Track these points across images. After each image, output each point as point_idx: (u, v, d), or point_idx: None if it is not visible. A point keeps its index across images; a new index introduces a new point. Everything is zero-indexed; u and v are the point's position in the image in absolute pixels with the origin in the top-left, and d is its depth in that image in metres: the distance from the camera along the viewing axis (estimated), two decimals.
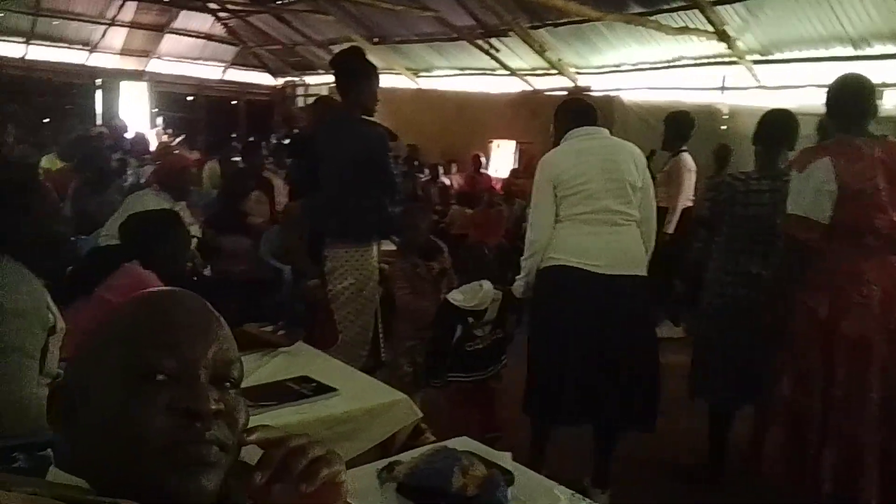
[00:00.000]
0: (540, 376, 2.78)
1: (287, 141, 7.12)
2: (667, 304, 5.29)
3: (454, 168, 9.60)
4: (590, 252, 2.67)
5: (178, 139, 9.67)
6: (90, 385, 0.70)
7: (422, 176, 8.56)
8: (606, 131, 2.89)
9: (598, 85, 8.39)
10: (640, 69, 7.88)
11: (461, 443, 1.85)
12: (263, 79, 14.51)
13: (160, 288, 0.79)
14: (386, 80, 11.15)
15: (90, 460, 0.68)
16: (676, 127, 5.13)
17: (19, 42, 11.15)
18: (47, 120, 9.12)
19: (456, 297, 2.92)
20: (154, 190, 3.63)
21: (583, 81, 8.57)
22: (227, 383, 0.74)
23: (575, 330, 2.67)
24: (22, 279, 1.70)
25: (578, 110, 2.95)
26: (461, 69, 10.20)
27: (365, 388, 2.26)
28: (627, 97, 7.75)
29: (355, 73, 3.15)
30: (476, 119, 9.76)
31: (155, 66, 13.12)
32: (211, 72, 13.94)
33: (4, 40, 10.99)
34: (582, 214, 2.70)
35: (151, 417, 0.67)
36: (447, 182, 8.90)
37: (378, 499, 1.56)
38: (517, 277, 2.93)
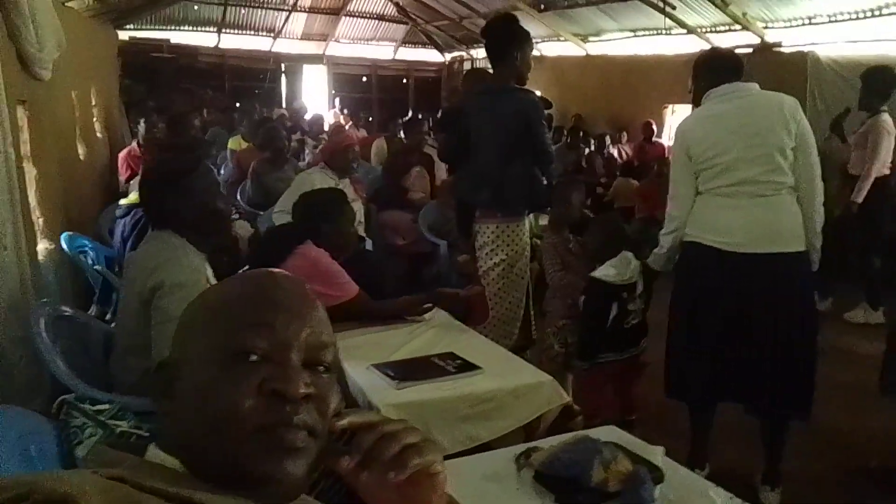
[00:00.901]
0: (677, 357, 2.62)
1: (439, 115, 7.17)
2: (865, 285, 4.69)
3: (624, 137, 9.18)
4: (728, 229, 2.41)
5: (348, 118, 10.14)
6: (187, 361, 0.71)
7: (586, 147, 8.24)
8: (754, 86, 2.49)
9: (789, 40, 7.54)
10: (837, 21, 6.97)
11: (607, 432, 1.74)
12: (431, 55, 14.80)
13: (262, 269, 0.77)
14: (552, 48, 11.01)
15: (183, 439, 0.68)
16: (876, 84, 4.46)
17: (212, 31, 12.28)
18: (238, 104, 9.93)
19: (608, 272, 2.74)
20: (321, 168, 3.80)
21: (771, 37, 7.76)
22: (321, 367, 0.72)
23: (711, 310, 2.47)
24: (184, 253, 1.84)
25: (718, 65, 2.56)
26: (632, 31, 9.65)
27: (510, 368, 2.21)
28: (823, 52, 6.91)
29: (506, 40, 3.02)
30: (648, 83, 9.21)
31: (333, 49, 13.85)
32: (384, 51, 14.46)
33: (201, 30, 12.15)
34: (720, 188, 2.44)
35: (241, 398, 0.65)
36: (615, 153, 8.53)
37: (514, 484, 1.51)
38: (654, 251, 2.75)
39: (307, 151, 6.96)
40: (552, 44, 11.03)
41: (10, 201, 2.01)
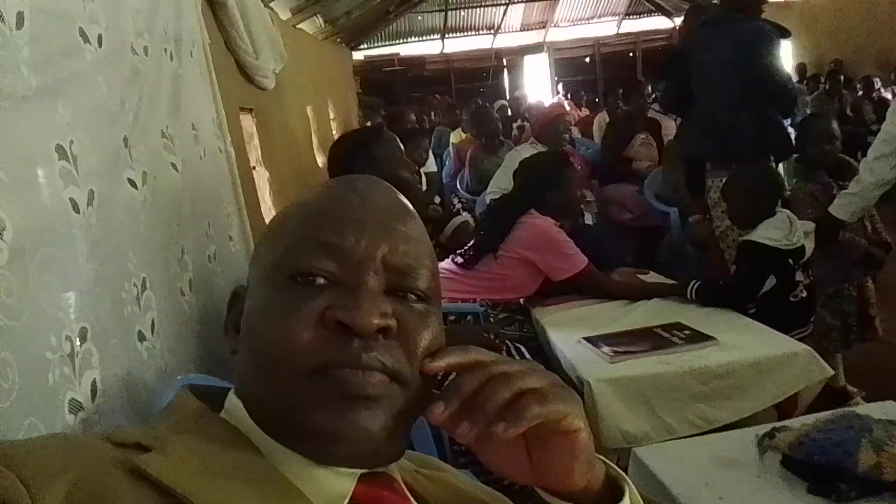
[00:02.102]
0: None
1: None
2: None
3: None
4: None
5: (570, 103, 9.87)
6: (249, 287, 0.60)
7: (850, 93, 7.07)
8: None
9: None
10: None
11: (883, 408, 1.36)
12: (659, 23, 13.89)
13: (346, 176, 0.63)
14: None
15: (243, 382, 0.57)
16: None
17: (436, 38, 12.81)
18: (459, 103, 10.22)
19: (770, 234, 2.14)
20: (531, 144, 3.67)
21: None
22: (412, 295, 0.57)
23: None
24: None
25: None
26: None
27: (754, 338, 1.86)
28: None
29: None
30: None
31: (553, 35, 13.67)
32: (606, 28, 13.93)
33: (426, 39, 12.76)
34: None
35: (296, 328, 0.52)
36: (888, 96, 7.19)
37: (755, 471, 1.22)
38: (844, 192, 2.21)
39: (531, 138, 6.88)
40: None
41: (234, 197, 2.14)
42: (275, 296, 0.55)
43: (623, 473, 0.58)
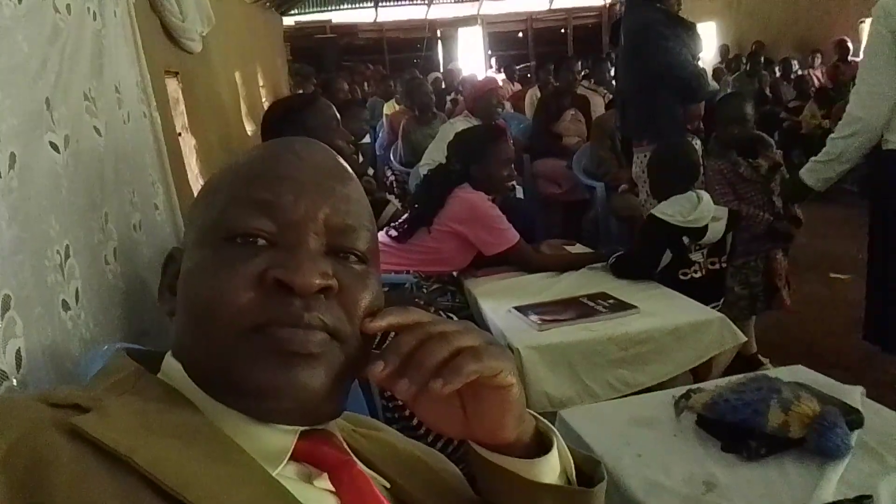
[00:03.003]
0: (878, 294, 2.18)
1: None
2: None
3: (817, 60, 8.08)
4: None
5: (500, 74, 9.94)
6: (185, 249, 0.59)
7: (769, 74, 7.39)
8: None
9: None
10: None
11: (794, 372, 1.47)
12: (590, 0, 14.08)
13: (282, 138, 0.63)
14: None
15: (179, 342, 0.57)
16: None
17: (369, 6, 12.58)
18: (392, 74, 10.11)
19: (666, 209, 2.26)
20: (464, 116, 3.69)
21: None
22: (352, 256, 0.58)
23: None
24: None
25: None
26: None
27: (672, 307, 1.96)
28: None
29: None
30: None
31: (487, 7, 13.64)
32: (538, 3, 14.00)
33: (359, 6, 12.51)
34: None
35: (236, 287, 0.52)
36: (806, 75, 7.54)
37: (671, 430, 1.30)
38: (813, 158, 2.27)
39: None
40: None
41: (160, 164, 2.08)
42: (212, 256, 0.55)
43: (551, 426, 0.62)
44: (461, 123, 3.55)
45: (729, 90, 5.90)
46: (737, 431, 1.20)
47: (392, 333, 0.56)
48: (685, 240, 2.22)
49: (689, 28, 2.72)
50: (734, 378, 1.43)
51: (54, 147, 1.18)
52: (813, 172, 2.28)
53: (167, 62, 2.55)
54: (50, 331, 1.04)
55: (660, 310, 1.90)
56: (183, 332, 0.57)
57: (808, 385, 1.30)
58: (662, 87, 2.68)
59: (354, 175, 0.62)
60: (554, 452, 0.60)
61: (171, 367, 0.57)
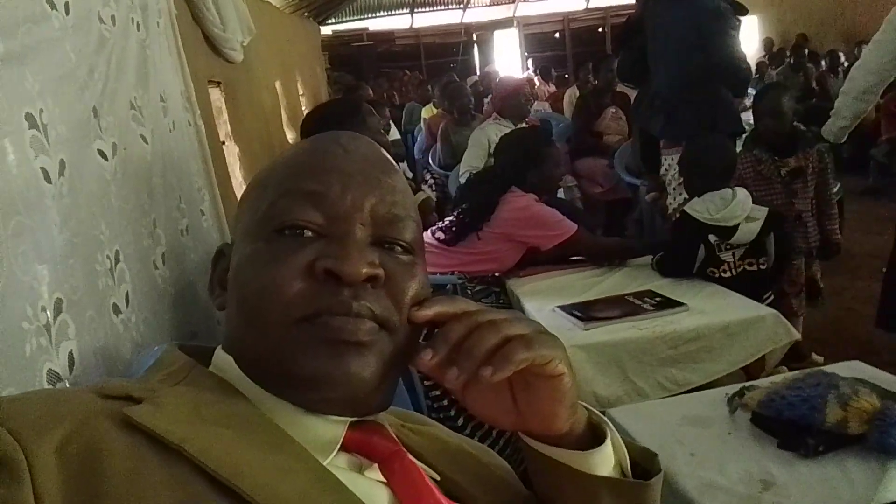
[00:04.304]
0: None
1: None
2: None
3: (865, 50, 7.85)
4: None
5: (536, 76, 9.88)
6: (234, 244, 0.60)
7: (815, 68, 7.18)
8: None
9: None
10: None
11: (850, 367, 1.42)
12: None
13: (327, 132, 0.63)
14: None
15: (231, 334, 0.58)
16: None
17: (404, 13, 12.66)
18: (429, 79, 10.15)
19: (696, 206, 2.19)
20: (494, 120, 3.66)
21: None
22: (398, 247, 0.58)
23: None
24: None
25: None
26: None
27: (722, 304, 1.91)
28: None
29: None
30: None
31: (522, 9, 13.60)
32: (575, 3, 13.89)
33: (395, 14, 12.61)
34: None
35: (286, 278, 0.53)
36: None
37: (726, 429, 1.26)
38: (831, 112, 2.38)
39: None
40: None
41: (205, 171, 2.11)
42: (262, 248, 0.55)
43: (605, 418, 0.60)
44: (492, 128, 3.53)
45: None
46: (793, 428, 1.16)
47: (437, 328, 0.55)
48: (711, 238, 2.16)
49: (744, 15, 2.62)
50: (790, 374, 1.39)
51: (102, 154, 1.21)
52: (826, 127, 2.46)
53: (210, 72, 2.60)
54: (101, 334, 1.06)
55: (709, 307, 1.86)
56: (234, 324, 0.57)
57: (867, 380, 1.25)
58: (720, 81, 2.59)
59: (398, 167, 0.62)
60: (608, 444, 0.58)
61: (223, 359, 0.58)
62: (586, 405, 0.60)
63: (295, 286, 0.53)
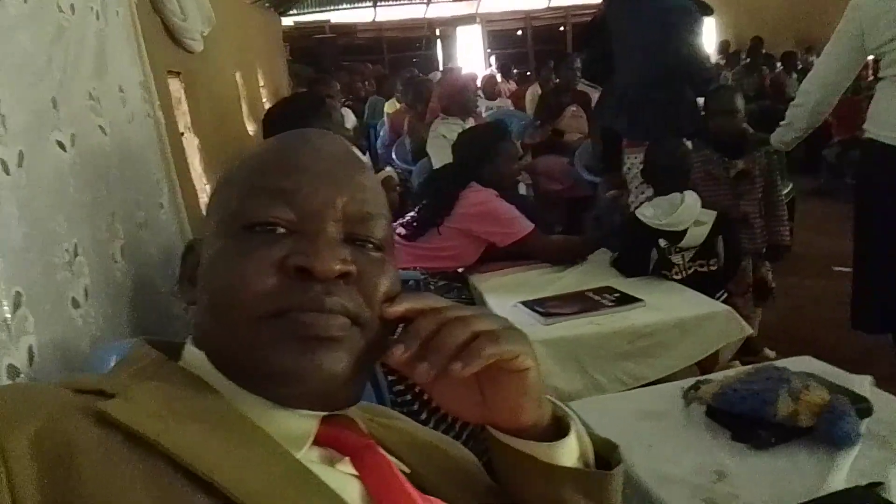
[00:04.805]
0: (863, 279, 2.20)
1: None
2: None
3: (814, 58, 8.08)
4: None
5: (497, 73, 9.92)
6: (205, 240, 0.60)
7: (769, 69, 7.37)
8: None
9: None
10: None
11: (801, 363, 1.48)
12: None
13: (295, 130, 0.64)
14: None
15: (201, 330, 0.58)
16: None
17: (368, 6, 12.57)
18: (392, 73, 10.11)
19: (645, 210, 2.25)
20: (441, 120, 3.67)
21: None
22: (369, 244, 0.58)
23: None
24: None
25: None
26: None
27: (678, 300, 1.96)
28: None
29: None
30: None
31: (485, 5, 13.63)
32: (537, 1, 13.98)
33: (357, 6, 12.50)
34: None
35: (257, 273, 0.53)
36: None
37: (680, 421, 1.30)
38: (780, 123, 2.40)
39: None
40: None
41: (163, 163, 2.08)
42: (232, 245, 0.55)
43: (569, 411, 0.62)
44: (443, 127, 3.55)
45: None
46: (746, 421, 1.20)
47: (404, 324, 0.56)
48: (661, 242, 2.20)
49: (708, 15, 2.65)
50: (742, 368, 1.43)
51: (61, 146, 1.18)
52: (776, 135, 2.45)
53: (169, 62, 2.55)
54: (60, 327, 1.04)
55: (665, 303, 1.91)
56: (204, 319, 0.57)
57: (817, 375, 1.30)
58: (682, 79, 2.62)
59: (369, 164, 0.62)
60: (572, 436, 0.60)
61: (193, 354, 0.58)
62: (551, 398, 0.62)
63: (266, 282, 0.53)
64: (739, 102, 2.61)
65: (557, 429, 0.61)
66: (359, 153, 0.63)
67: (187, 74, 2.86)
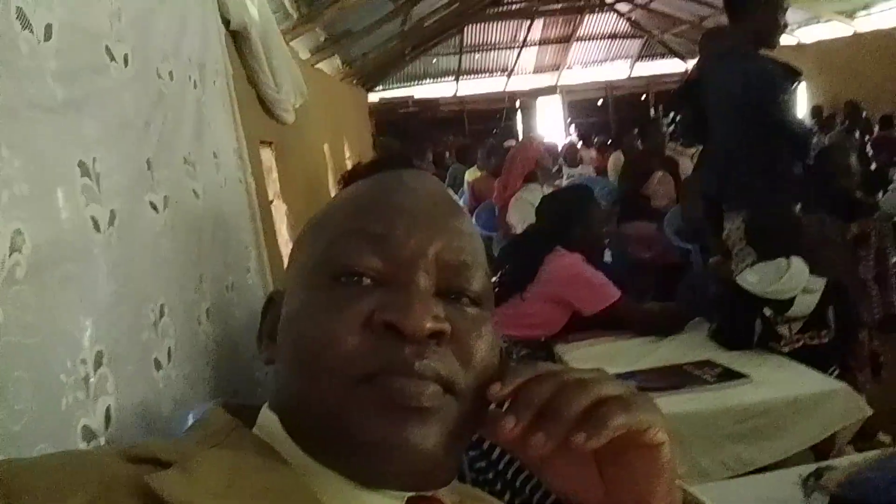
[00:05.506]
0: None
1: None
2: None
3: None
4: None
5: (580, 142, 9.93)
6: (286, 291, 0.55)
7: (867, 133, 7.04)
8: None
9: None
10: None
11: None
12: (673, 66, 14.02)
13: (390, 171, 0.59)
14: (812, 32, 9.75)
15: (280, 393, 0.52)
16: None
17: (450, 81, 13.00)
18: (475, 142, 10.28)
19: (748, 276, 2.08)
20: (522, 186, 3.67)
21: None
22: (465, 298, 0.51)
23: None
24: None
25: None
26: None
27: (788, 376, 1.80)
28: None
29: None
30: None
31: (565, 77, 13.82)
32: (618, 71, 14.08)
33: (440, 81, 12.93)
34: None
35: (342, 332, 0.47)
36: None
37: None
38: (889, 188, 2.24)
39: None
40: (812, 28, 9.77)
41: (252, 229, 2.12)
42: (316, 297, 0.50)
43: (702, 499, 0.52)
44: (525, 193, 3.55)
45: None
46: None
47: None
48: (766, 311, 2.04)
49: (799, 79, 2.56)
50: (870, 454, 1.27)
51: (153, 206, 1.20)
52: (887, 199, 2.37)
53: (262, 132, 2.65)
54: (141, 389, 1.02)
55: (774, 379, 1.75)
56: (283, 380, 0.52)
57: None
58: (776, 145, 2.50)
59: (466, 210, 0.57)
60: None
61: (268, 419, 0.52)
62: (683, 484, 0.52)
63: (351, 340, 0.47)
64: (854, 163, 2.47)
65: None
66: (455, 197, 0.58)
67: (278, 144, 2.96)
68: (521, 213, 3.58)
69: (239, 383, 1.54)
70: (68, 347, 0.81)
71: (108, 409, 0.88)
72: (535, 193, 3.41)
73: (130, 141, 1.09)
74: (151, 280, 1.13)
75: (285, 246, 2.95)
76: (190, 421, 1.01)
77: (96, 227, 0.91)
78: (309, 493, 0.46)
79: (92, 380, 0.85)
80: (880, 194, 4.90)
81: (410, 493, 0.49)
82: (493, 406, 0.49)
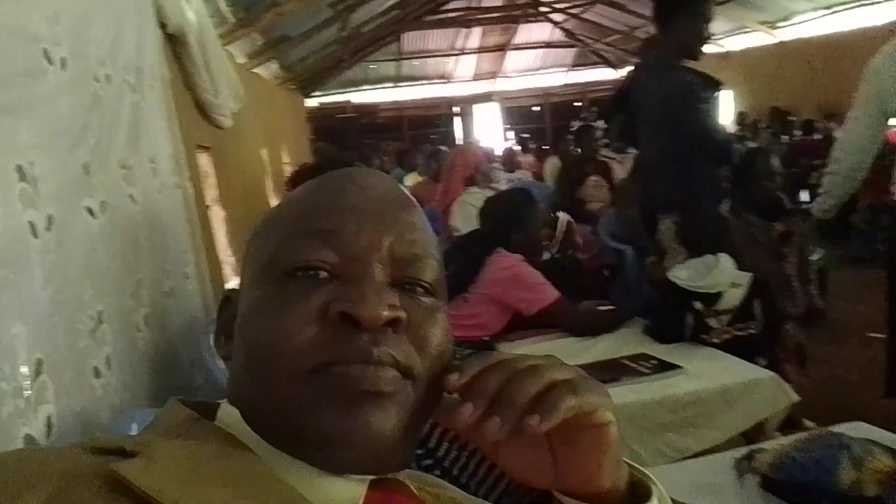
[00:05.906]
0: None
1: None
2: None
3: (834, 124, 8.12)
4: None
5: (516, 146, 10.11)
6: (241, 289, 0.55)
7: (786, 137, 7.41)
8: None
9: None
10: None
11: (854, 428, 1.38)
12: (605, 74, 14.40)
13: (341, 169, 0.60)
14: (738, 42, 10.17)
15: (237, 386, 0.52)
16: None
17: (389, 87, 13.01)
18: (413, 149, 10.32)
19: (679, 274, 2.17)
20: (464, 189, 3.73)
21: None
22: (419, 287, 0.53)
23: None
24: None
25: None
26: (827, 7, 8.62)
27: (719, 366, 1.87)
28: None
29: (672, 5, 2.57)
30: (856, 63, 8.11)
31: (503, 84, 14.02)
32: (553, 79, 14.36)
33: (379, 87, 12.93)
34: None
35: (297, 323, 0.48)
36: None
37: (735, 494, 1.21)
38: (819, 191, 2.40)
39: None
40: (737, 37, 10.19)
41: (190, 234, 2.09)
42: (270, 292, 0.51)
43: (648, 474, 0.55)
44: (467, 197, 3.59)
45: None
46: (807, 492, 1.11)
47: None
48: (697, 305, 2.11)
49: (719, 89, 2.67)
50: (797, 436, 1.34)
51: (90, 212, 1.18)
52: (816, 205, 2.48)
53: (199, 137, 2.61)
54: (80, 397, 1.00)
55: (706, 370, 1.82)
56: (241, 376, 0.52)
57: (878, 441, 1.21)
58: (698, 153, 2.61)
59: (417, 203, 0.59)
60: (653, 502, 0.53)
61: (228, 413, 0.52)
62: (628, 461, 0.55)
63: (306, 332, 0.48)
64: (776, 165, 2.61)
65: (634, 496, 0.54)
66: (406, 191, 0.59)
67: (216, 149, 2.92)
68: (465, 217, 3.61)
69: (179, 390, 1.51)
70: (6, 354, 0.79)
71: (48, 418, 0.86)
72: (476, 197, 3.45)
73: (67, 146, 1.07)
74: (89, 286, 1.11)
75: (223, 251, 2.91)
76: (133, 429, 1.00)
77: (34, 232, 0.89)
78: (273, 477, 0.47)
79: (32, 388, 0.83)
80: (806, 195, 5.14)
81: (373, 476, 0.51)
82: (449, 394, 0.51)
